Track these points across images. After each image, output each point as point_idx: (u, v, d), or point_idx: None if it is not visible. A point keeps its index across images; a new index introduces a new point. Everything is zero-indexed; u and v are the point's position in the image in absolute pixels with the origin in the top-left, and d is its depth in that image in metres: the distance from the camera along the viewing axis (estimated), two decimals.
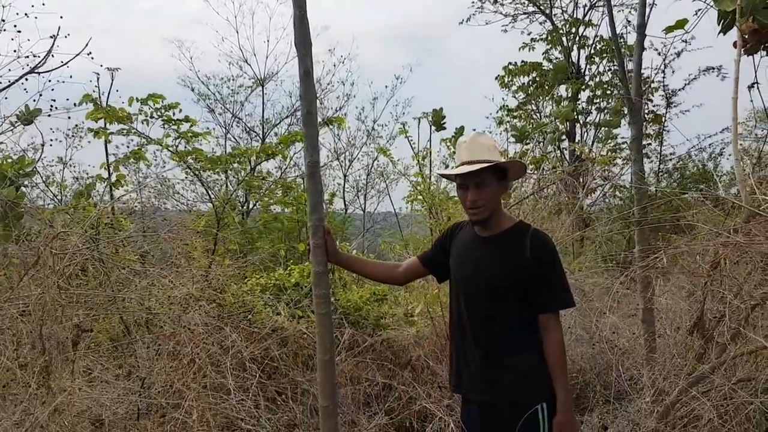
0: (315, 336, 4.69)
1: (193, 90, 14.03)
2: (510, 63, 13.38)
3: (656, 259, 3.06)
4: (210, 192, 4.82)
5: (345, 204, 14.53)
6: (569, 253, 7.32)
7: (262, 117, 13.07)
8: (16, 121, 5.52)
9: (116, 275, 3.33)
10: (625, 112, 8.49)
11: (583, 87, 12.61)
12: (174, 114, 4.47)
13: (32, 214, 4.58)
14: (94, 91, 5.08)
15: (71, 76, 4.05)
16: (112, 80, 5.71)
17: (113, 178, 4.53)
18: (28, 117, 5.73)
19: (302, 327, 4.59)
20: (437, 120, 8.58)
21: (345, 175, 14.77)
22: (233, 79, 13.78)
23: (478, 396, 2.68)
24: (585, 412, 4.98)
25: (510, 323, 2.58)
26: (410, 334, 5.55)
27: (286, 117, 12.78)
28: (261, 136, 13.02)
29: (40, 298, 2.66)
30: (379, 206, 15.22)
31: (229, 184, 5.06)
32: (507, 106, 14.02)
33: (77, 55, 3.63)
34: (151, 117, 4.50)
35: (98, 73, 5.77)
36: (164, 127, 4.45)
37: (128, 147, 4.54)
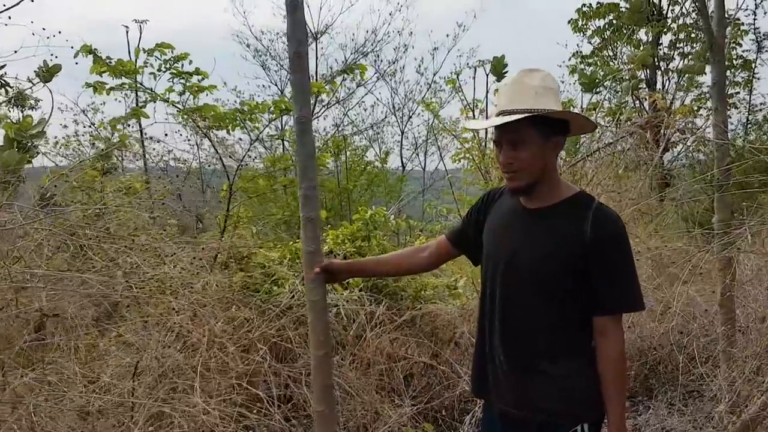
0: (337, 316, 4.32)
1: (248, 46, 13.66)
2: (584, 5, 12.22)
3: (739, 236, 2.36)
4: (220, 153, 4.38)
5: (402, 162, 13.94)
6: (645, 215, 6.54)
7: (316, 72, 12.54)
8: (35, 78, 5.25)
9: (100, 250, 2.94)
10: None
11: (665, 30, 11.34)
12: (183, 66, 4.04)
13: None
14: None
15: None
16: (141, 34, 5.31)
17: (115, 138, 4.18)
18: (47, 74, 5.46)
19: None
20: (498, 68, 7.80)
21: (402, 132, 14.14)
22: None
23: (504, 407, 2.10)
24: (649, 399, 4.38)
25: (553, 321, 1.99)
26: (454, 307, 5.01)
27: (342, 72, 12.19)
28: (315, 92, 12.50)
29: None
30: (440, 164, 14.53)
31: (240, 145, 4.63)
32: (581, 52, 12.91)
33: None
34: (159, 70, 4.09)
35: (127, 27, 5.39)
36: (172, 81, 4.02)
37: (136, 102, 4.15)
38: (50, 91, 4.25)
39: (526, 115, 1.90)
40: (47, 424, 2.73)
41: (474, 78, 8.23)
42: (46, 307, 2.72)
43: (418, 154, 14.22)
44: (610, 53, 12.35)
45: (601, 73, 7.45)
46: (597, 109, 7.26)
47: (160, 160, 7.09)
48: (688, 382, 4.45)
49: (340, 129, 12.95)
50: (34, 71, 5.41)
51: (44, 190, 3.77)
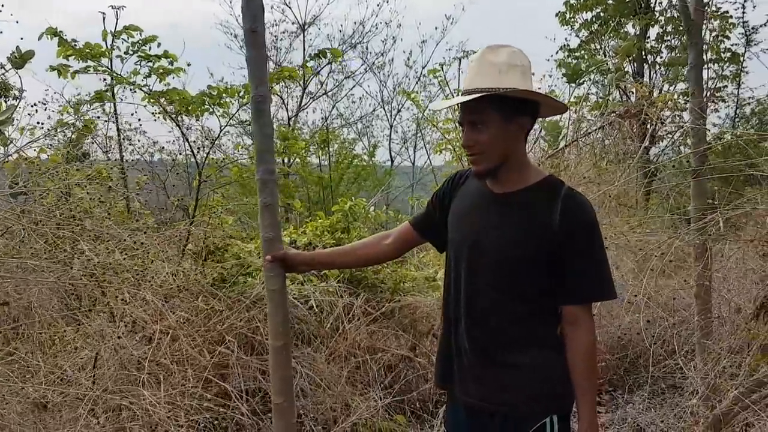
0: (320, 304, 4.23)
1: (235, 36, 13.49)
2: None
3: (713, 222, 2.27)
4: (188, 140, 4.26)
5: (391, 155, 13.83)
6: (627, 207, 6.48)
7: (303, 64, 12.42)
8: (6, 65, 5.11)
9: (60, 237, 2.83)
10: None
11: (652, 23, 11.29)
12: (150, 49, 3.92)
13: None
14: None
15: None
16: (117, 20, 5.15)
17: (80, 124, 4.05)
18: (20, 60, 5.32)
19: (299, 293, 4.04)
20: None
21: (391, 125, 14.03)
22: (276, 24, 13.12)
23: (468, 399, 2.01)
24: (626, 393, 4.32)
25: (519, 310, 1.89)
26: (433, 299, 4.93)
27: (328, 63, 12.06)
28: (302, 85, 12.40)
29: None
30: (428, 159, 14.42)
31: (207, 129, 4.49)
32: (568, 45, 12.83)
33: None
34: (126, 53, 3.97)
35: (104, 13, 5.24)
36: (139, 65, 3.90)
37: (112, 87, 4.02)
38: (20, 78, 4.12)
39: (483, 94, 1.79)
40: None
41: (460, 71, 8.14)
42: (0, 295, 2.61)
43: (407, 149, 14.13)
44: (597, 46, 12.27)
45: (585, 65, 7.37)
46: (581, 102, 7.18)
47: (145, 152, 6.96)
48: (667, 375, 4.41)
49: (328, 122, 12.84)
50: (7, 57, 5.28)
51: (11, 177, 3.66)
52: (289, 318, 2.38)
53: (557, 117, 6.99)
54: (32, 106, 3.86)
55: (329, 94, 13.30)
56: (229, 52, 13.14)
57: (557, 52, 12.84)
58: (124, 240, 2.97)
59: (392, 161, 13.73)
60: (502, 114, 1.84)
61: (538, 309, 1.90)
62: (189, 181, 7.03)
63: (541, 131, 6.62)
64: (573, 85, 7.29)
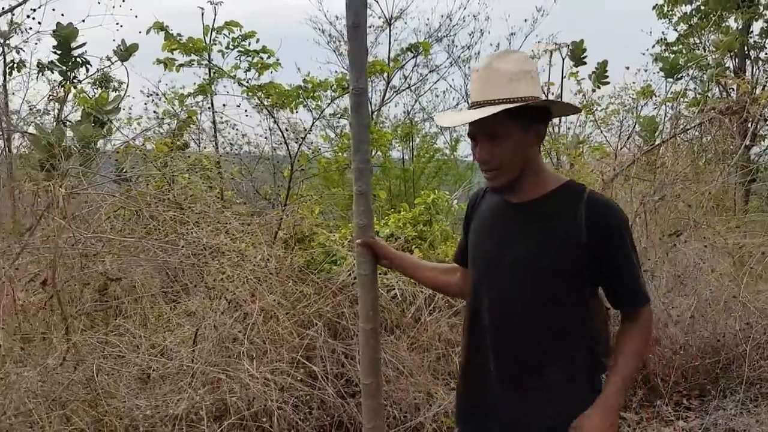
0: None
1: (323, 32, 13.75)
2: None
3: None
4: (283, 132, 4.41)
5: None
6: (726, 209, 6.19)
7: (388, 58, 12.52)
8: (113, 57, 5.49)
9: (161, 219, 3.03)
10: None
11: (756, 17, 10.65)
12: (250, 44, 4.10)
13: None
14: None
15: None
16: (215, 15, 5.41)
17: (183, 115, 4.30)
18: (125, 53, 5.70)
19: (382, 282, 4.12)
20: (577, 53, 7.53)
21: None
22: None
23: (499, 428, 1.89)
24: (717, 398, 4.16)
25: (552, 326, 1.78)
26: None
27: (413, 56, 12.09)
28: (386, 79, 12.50)
29: (47, 241, 2.43)
30: None
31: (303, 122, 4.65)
32: (665, 39, 12.29)
33: None
34: (227, 48, 4.17)
35: (202, 8, 5.52)
36: (239, 59, 4.09)
37: (209, 80, 4.23)
38: (126, 69, 4.44)
39: (502, 108, 1.70)
40: (108, 385, 2.85)
41: (550, 65, 7.96)
42: (111, 271, 2.83)
43: None
44: (697, 41, 11.70)
45: (683, 60, 7.04)
46: (679, 98, 6.90)
47: (234, 145, 7.28)
48: (763, 380, 4.21)
49: (410, 115, 12.87)
50: (113, 50, 5.66)
51: (119, 164, 3.94)
52: (378, 302, 2.45)
53: (654, 112, 6.75)
54: (148, 96, 4.12)
55: (412, 88, 13.32)
56: (317, 47, 13.40)
57: (653, 46, 12.35)
58: (229, 224, 3.14)
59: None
60: (519, 124, 1.76)
61: (568, 324, 1.79)
62: (275, 172, 7.29)
63: (635, 126, 6.40)
64: (670, 80, 6.95)
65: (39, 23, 4.42)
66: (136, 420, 2.60)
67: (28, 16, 4.12)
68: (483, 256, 1.93)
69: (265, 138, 6.12)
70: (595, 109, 6.80)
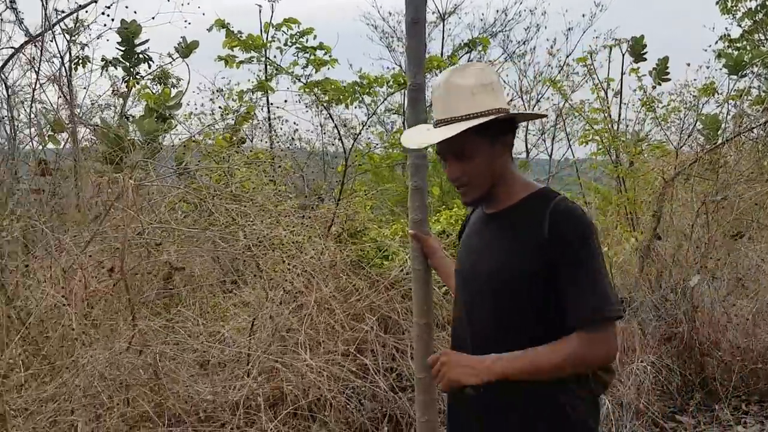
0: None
1: (375, 27, 13.82)
2: None
3: None
4: (338, 128, 4.46)
5: (527, 147, 13.51)
6: None
7: (441, 54, 12.48)
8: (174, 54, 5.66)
9: (222, 212, 3.12)
10: None
11: None
12: (307, 41, 4.16)
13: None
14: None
15: None
16: (272, 12, 5.53)
17: (243, 110, 4.39)
18: (186, 50, 5.87)
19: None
20: (636, 49, 7.36)
21: None
22: None
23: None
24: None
25: (522, 341, 1.65)
26: None
27: (467, 52, 12.01)
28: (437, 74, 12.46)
29: (119, 230, 2.54)
30: (568, 152, 13.89)
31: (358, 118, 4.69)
32: (729, 35, 11.86)
33: None
34: (285, 44, 4.24)
35: (260, 6, 5.63)
36: (296, 56, 4.16)
37: (262, 77, 4.32)
38: (188, 66, 4.58)
39: (465, 126, 1.65)
40: (170, 371, 2.96)
41: (609, 61, 7.79)
42: (174, 260, 2.94)
43: (544, 140, 13.71)
44: (762, 37, 11.25)
45: (748, 57, 6.79)
46: (743, 96, 6.65)
47: (286, 140, 7.41)
48: None
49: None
50: (174, 47, 5.84)
51: (179, 158, 4.07)
52: (432, 297, 2.46)
53: (717, 110, 6.53)
54: (215, 92, 4.22)
55: None
56: (369, 43, 13.46)
57: (716, 42, 11.92)
58: (288, 216, 3.22)
59: (528, 153, 13.42)
60: (487, 138, 1.72)
61: (542, 339, 1.65)
62: (325, 168, 7.38)
63: (696, 124, 6.21)
64: (734, 77, 6.72)
65: (112, 20, 4.60)
66: (197, 405, 2.69)
67: (102, 13, 4.26)
68: (461, 268, 1.91)
69: (317, 135, 6.21)
70: (655, 106, 6.63)
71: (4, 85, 3.86)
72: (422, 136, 1.82)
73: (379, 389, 3.34)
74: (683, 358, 4.59)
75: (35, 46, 2.85)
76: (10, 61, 3.35)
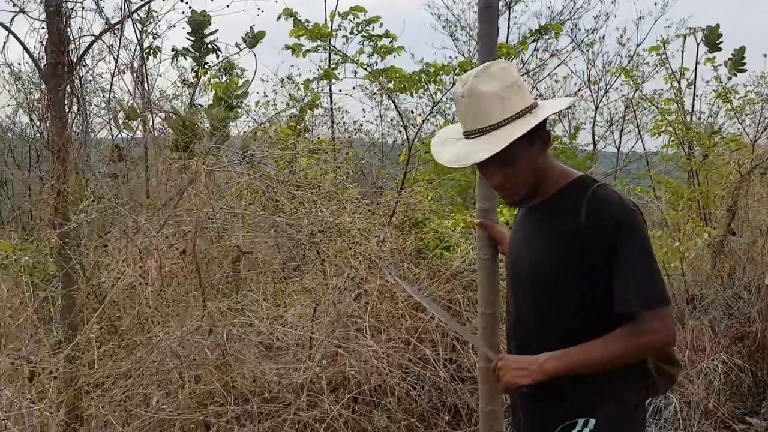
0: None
1: (439, 16, 13.71)
2: None
3: None
4: (402, 117, 4.45)
5: (594, 139, 13.15)
6: None
7: (506, 41, 12.26)
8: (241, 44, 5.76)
9: (288, 199, 3.18)
10: None
11: None
12: (373, 29, 4.16)
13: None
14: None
15: None
16: (338, 1, 5.57)
17: (308, 99, 4.44)
18: (253, 39, 5.96)
19: None
20: (711, 39, 7.06)
21: (597, 107, 13.30)
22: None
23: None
24: None
25: (563, 333, 1.66)
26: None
27: (533, 41, 11.75)
28: None
29: (191, 214, 2.63)
30: (637, 144, 13.44)
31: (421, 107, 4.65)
32: None
33: None
34: (351, 33, 4.26)
35: None
36: (362, 44, 4.17)
37: (327, 66, 4.35)
38: (255, 55, 4.66)
39: (517, 136, 1.60)
40: (237, 351, 3.04)
41: (683, 50, 7.49)
42: (243, 244, 3.01)
43: (612, 132, 13.31)
44: None
45: None
46: None
47: (345, 130, 7.47)
48: None
49: None
50: (241, 37, 5.94)
51: (246, 146, 4.17)
52: (499, 287, 2.43)
53: None
54: (282, 80, 4.29)
55: (531, 73, 12.98)
56: (432, 32, 13.40)
57: None
58: (353, 202, 3.25)
59: (595, 145, 13.06)
60: (526, 140, 1.65)
61: (585, 332, 1.63)
62: (383, 159, 7.40)
63: None
64: None
65: (190, 7, 4.72)
66: (262, 386, 2.76)
67: (182, 0, 4.36)
68: (509, 262, 1.92)
69: (376, 125, 6.22)
70: (731, 97, 6.35)
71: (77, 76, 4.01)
72: (462, 152, 1.72)
73: (439, 378, 3.34)
74: (755, 358, 4.45)
75: (114, 34, 2.96)
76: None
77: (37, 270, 3.22)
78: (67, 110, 2.90)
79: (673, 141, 6.33)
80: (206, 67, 6.53)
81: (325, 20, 4.64)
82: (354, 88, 6.72)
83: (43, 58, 3.08)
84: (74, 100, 2.89)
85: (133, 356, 2.67)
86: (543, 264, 1.69)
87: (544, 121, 1.71)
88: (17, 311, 2.71)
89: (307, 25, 4.22)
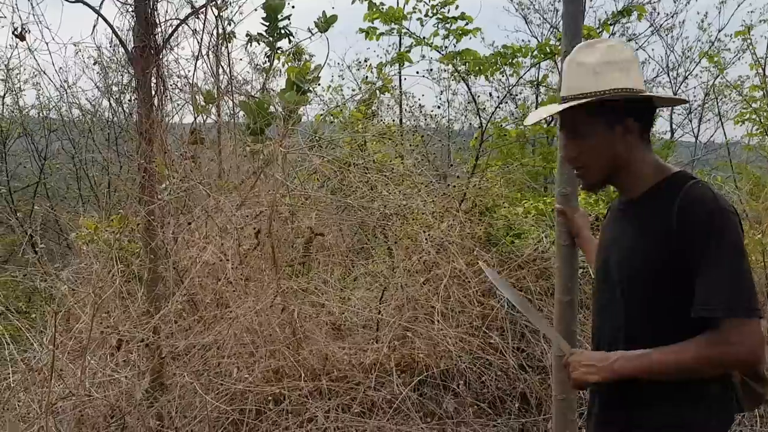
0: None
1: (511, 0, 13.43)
2: None
3: None
4: (475, 99, 4.37)
5: (672, 127, 12.63)
6: None
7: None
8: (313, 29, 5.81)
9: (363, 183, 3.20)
10: None
11: None
12: (449, 11, 4.11)
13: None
14: None
15: None
16: None
17: (379, 83, 4.44)
18: (325, 24, 6.00)
19: None
20: None
21: (675, 94, 12.76)
22: None
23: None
24: None
25: (650, 334, 1.57)
26: None
27: (611, 24, 11.35)
28: None
29: (268, 196, 2.68)
30: (716, 133, 12.82)
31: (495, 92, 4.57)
32: None
33: None
34: (426, 15, 4.21)
35: None
36: (436, 27, 4.12)
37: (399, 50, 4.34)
38: (327, 40, 4.69)
39: (568, 106, 1.58)
40: (308, 330, 3.11)
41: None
42: (315, 226, 3.06)
43: (690, 120, 12.74)
44: None
45: None
46: None
47: (413, 115, 7.46)
48: None
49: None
50: (314, 22, 6.00)
51: (315, 130, 4.22)
52: (577, 274, 2.39)
53: None
54: (356, 63, 4.27)
55: None
56: (504, 15, 13.09)
57: None
58: (426, 185, 3.25)
59: (672, 133, 12.55)
60: (603, 121, 1.60)
61: (672, 335, 1.52)
62: (450, 145, 7.32)
63: None
64: None
65: None
66: (332, 364, 2.81)
67: None
68: (597, 258, 1.83)
69: (443, 111, 6.15)
70: None
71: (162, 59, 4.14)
72: (538, 112, 1.80)
73: (509, 367, 3.32)
74: None
75: (197, 18, 3.04)
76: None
77: (121, 246, 3.36)
78: (153, 92, 3.01)
79: (757, 130, 6.01)
80: (279, 52, 6.64)
81: (397, 3, 4.62)
82: (429, 71, 6.69)
83: (130, 41, 3.20)
84: (160, 82, 2.99)
85: (213, 330, 2.76)
86: (633, 262, 1.62)
87: (637, 109, 1.64)
88: (106, 283, 2.85)
89: (382, 9, 4.22)
